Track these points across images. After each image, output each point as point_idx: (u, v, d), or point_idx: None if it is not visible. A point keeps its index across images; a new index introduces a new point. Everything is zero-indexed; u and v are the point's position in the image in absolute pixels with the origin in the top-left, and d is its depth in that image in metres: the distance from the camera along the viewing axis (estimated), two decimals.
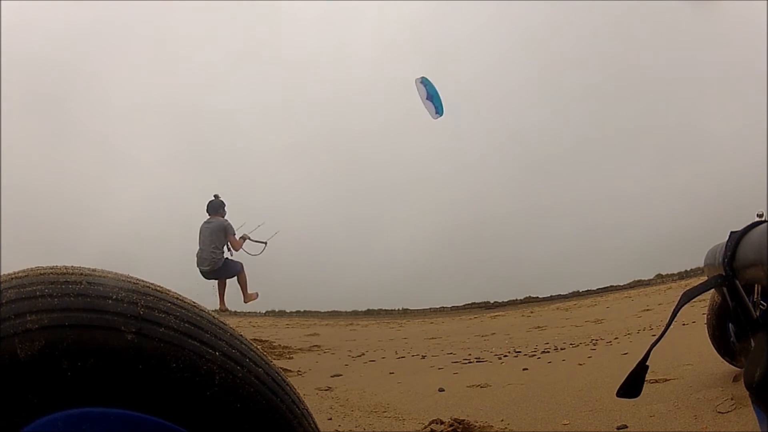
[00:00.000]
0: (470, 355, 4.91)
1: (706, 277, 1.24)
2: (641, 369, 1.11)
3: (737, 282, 1.11)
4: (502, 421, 2.27)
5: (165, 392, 0.53)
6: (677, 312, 1.13)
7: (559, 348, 4.88)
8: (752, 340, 1.13)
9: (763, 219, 1.89)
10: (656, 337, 1.12)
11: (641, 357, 1.10)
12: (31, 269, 0.58)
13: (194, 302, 0.64)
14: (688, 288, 1.29)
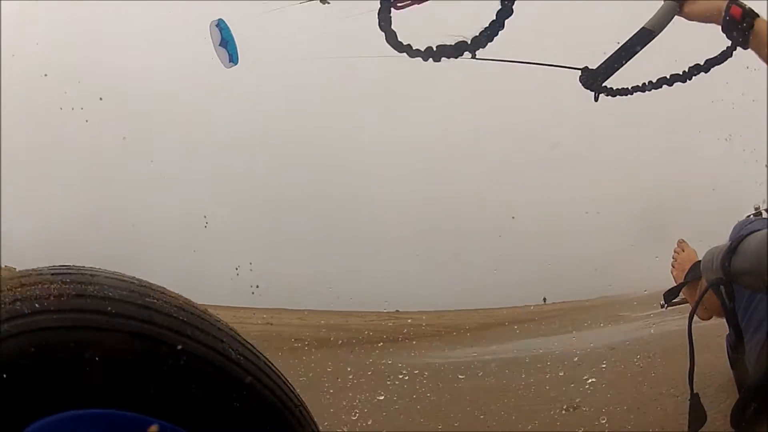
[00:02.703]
0: None
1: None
2: (695, 400, 1.20)
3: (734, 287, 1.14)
4: None
5: (168, 393, 0.54)
6: (691, 328, 1.20)
7: None
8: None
9: (759, 211, 1.90)
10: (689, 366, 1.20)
11: (689, 392, 1.19)
12: (34, 269, 0.58)
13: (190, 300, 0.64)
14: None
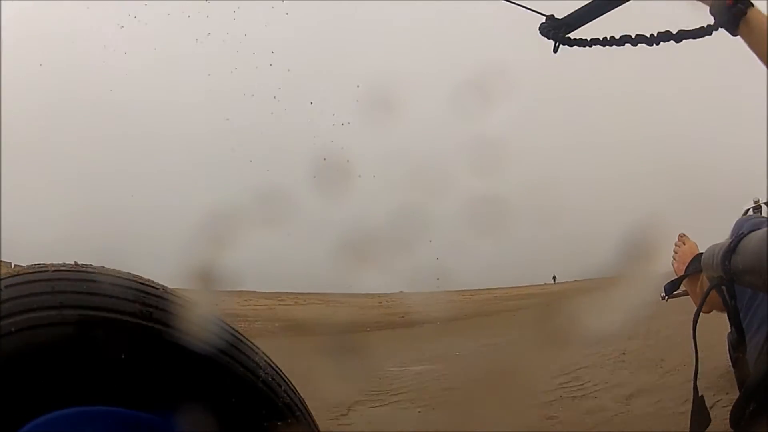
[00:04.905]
0: None
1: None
2: (699, 401, 1.17)
3: (734, 286, 1.13)
4: None
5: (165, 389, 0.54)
6: (696, 328, 1.21)
7: None
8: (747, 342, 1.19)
9: (758, 204, 1.89)
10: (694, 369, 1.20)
11: (693, 393, 1.18)
12: (36, 265, 0.58)
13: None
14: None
